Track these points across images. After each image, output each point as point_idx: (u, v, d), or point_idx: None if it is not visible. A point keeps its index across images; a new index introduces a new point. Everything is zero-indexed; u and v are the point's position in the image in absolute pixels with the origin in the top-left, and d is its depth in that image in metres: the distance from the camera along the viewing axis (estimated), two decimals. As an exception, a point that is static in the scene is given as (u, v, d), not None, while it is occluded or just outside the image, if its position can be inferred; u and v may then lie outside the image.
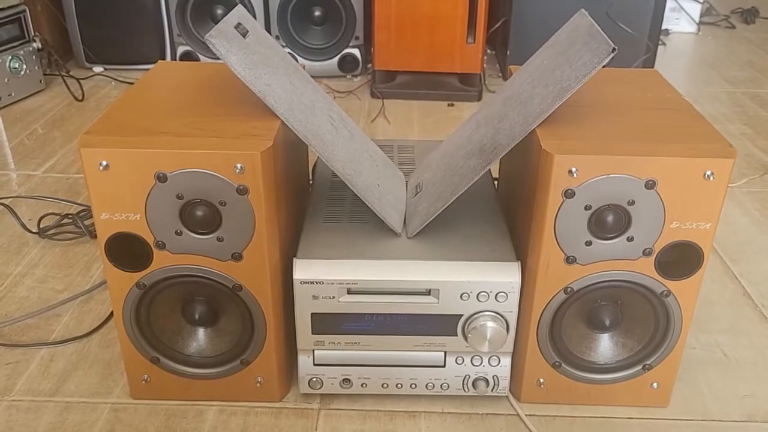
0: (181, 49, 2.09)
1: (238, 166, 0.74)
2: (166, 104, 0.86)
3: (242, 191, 0.75)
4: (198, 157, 0.74)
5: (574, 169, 0.74)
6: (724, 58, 2.46)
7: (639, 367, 0.87)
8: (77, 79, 2.00)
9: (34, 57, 1.94)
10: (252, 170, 0.74)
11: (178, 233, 0.79)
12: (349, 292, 0.82)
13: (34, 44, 1.92)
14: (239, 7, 0.88)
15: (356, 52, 2.11)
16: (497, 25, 2.15)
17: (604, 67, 0.74)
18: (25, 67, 1.91)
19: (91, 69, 2.15)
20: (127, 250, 0.80)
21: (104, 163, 0.74)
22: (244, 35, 0.81)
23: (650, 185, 0.75)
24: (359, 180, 0.84)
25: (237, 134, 0.77)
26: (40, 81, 1.99)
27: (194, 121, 0.80)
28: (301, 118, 0.81)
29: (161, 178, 0.75)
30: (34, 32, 1.93)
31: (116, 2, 2.06)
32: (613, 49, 0.72)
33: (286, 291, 0.85)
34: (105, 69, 2.16)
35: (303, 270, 0.81)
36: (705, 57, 2.49)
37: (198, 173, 0.75)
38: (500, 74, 2.21)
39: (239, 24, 0.81)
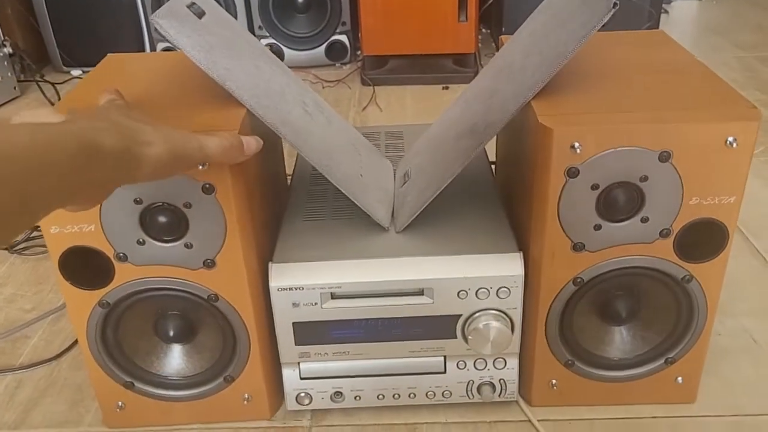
0: (160, 46, 2.04)
1: (201, 162, 0.68)
2: (118, 99, 0.79)
3: (208, 190, 0.69)
4: (152, 156, 0.67)
5: (576, 144, 0.68)
6: (730, 23, 2.41)
7: (661, 361, 0.82)
8: (53, 84, 1.97)
9: (5, 63, 1.91)
10: (217, 165, 0.68)
11: (141, 242, 0.73)
12: (334, 296, 0.76)
13: (5, 50, 1.88)
14: (195, -13, 0.81)
15: (344, 38, 2.07)
16: (490, 1, 2.09)
17: (606, 30, 0.67)
18: (-4, 74, 1.88)
19: (69, 73, 2.11)
20: (84, 266, 0.74)
21: (47, 168, 0.67)
22: (199, 16, 0.74)
23: (665, 157, 0.68)
24: (339, 171, 0.78)
25: (196, 126, 0.69)
26: (15, 88, 1.96)
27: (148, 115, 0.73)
28: (268, 104, 0.73)
29: (113, 182, 0.68)
30: (4, 37, 1.89)
31: (90, 2, 2.02)
32: (614, 4, 0.65)
33: (268, 298, 0.79)
34: (83, 72, 2.11)
35: (280, 275, 0.75)
36: (710, 23, 2.45)
37: (154, 174, 0.68)
38: (496, 53, 2.14)
39: (193, 3, 0.74)
